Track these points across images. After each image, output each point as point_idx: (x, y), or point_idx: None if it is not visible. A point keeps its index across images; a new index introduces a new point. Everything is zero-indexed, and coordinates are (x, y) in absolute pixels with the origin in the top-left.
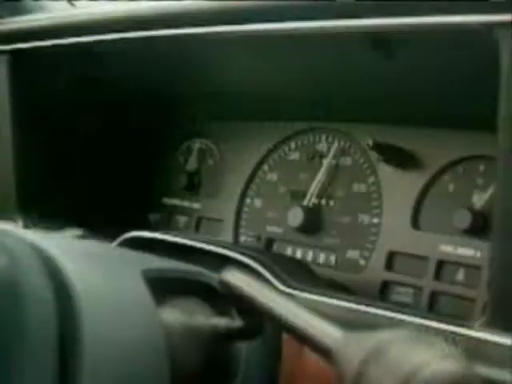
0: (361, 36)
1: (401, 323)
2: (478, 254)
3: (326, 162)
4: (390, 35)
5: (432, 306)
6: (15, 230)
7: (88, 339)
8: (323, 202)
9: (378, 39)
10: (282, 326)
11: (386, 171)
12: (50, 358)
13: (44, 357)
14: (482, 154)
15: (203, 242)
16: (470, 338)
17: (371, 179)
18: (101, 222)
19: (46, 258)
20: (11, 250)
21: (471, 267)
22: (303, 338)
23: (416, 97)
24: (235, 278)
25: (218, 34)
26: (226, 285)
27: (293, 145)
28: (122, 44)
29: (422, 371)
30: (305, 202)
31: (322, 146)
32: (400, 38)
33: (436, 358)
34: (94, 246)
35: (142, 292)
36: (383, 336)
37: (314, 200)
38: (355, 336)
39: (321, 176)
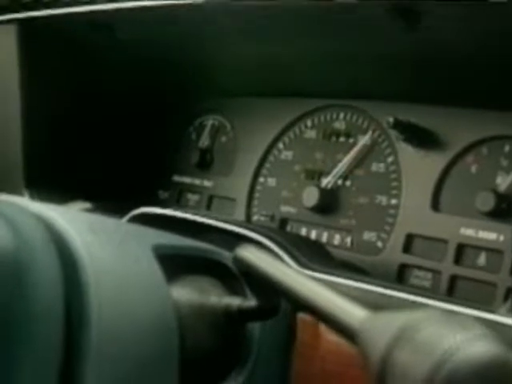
0: (385, 6)
1: (422, 307)
2: (501, 238)
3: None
4: (416, 5)
5: (451, 291)
6: (20, 200)
7: (96, 317)
8: (340, 181)
9: (404, 9)
10: (300, 306)
11: (406, 151)
12: (55, 338)
13: (49, 337)
14: (507, 134)
15: (215, 219)
16: (494, 324)
17: (390, 159)
18: (109, 197)
19: (53, 232)
20: (15, 223)
21: (493, 251)
22: (324, 319)
23: (439, 74)
24: (251, 254)
25: (235, 3)
26: (240, 261)
27: (309, 122)
28: (132, 12)
29: (455, 356)
30: (321, 182)
31: (339, 124)
32: (426, 8)
33: (469, 341)
34: (103, 220)
35: (152, 269)
36: (411, 317)
37: (331, 179)
38: (381, 316)
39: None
